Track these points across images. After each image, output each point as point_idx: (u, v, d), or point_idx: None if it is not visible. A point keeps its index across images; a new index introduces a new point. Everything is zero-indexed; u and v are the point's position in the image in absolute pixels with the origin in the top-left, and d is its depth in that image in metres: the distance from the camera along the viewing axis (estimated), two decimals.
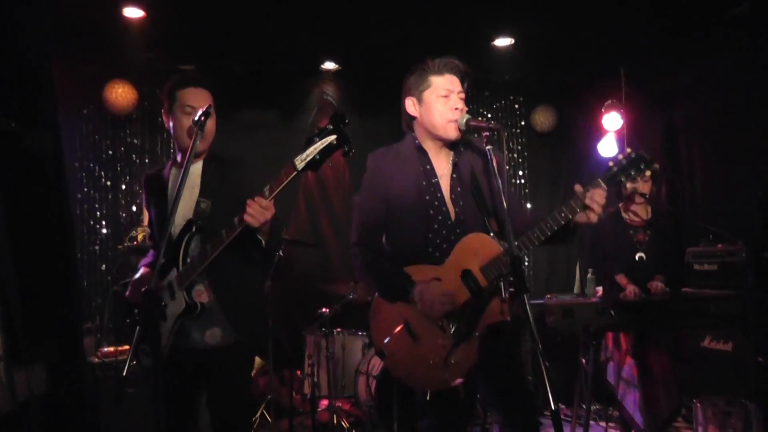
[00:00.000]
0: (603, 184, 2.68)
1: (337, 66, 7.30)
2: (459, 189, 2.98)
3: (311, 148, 2.64)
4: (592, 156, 7.42)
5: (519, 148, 8.15)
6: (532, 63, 7.19)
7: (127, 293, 3.22)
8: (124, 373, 2.57)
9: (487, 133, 2.78)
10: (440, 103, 2.92)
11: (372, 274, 3.02)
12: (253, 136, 7.14)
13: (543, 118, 7.93)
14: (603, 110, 7.10)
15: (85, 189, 6.81)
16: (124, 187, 6.92)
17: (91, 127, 6.83)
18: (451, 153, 3.03)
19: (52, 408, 2.94)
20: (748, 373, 3.77)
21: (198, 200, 3.07)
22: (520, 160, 8.14)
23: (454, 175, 3.00)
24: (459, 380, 2.82)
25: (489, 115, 8.00)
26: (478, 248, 2.82)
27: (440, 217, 2.95)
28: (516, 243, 2.57)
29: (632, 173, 2.68)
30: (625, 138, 7.08)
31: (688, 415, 5.59)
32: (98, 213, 6.87)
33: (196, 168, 3.14)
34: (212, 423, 3.17)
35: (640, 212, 4.91)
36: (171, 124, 3.16)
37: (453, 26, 6.06)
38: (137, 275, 3.25)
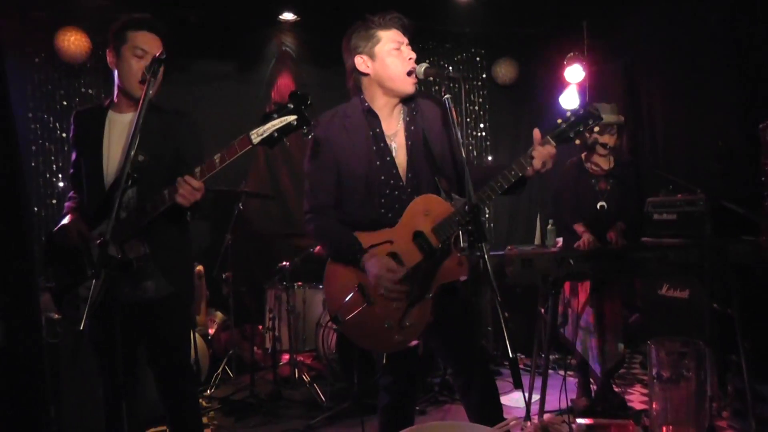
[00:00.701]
0: (552, 141, 2.72)
1: (295, 16, 7.18)
2: (411, 148, 2.96)
3: (269, 124, 2.61)
4: (554, 109, 7.37)
5: (480, 100, 8.14)
6: (494, 15, 7.14)
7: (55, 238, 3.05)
8: (81, 327, 2.51)
9: (447, 82, 2.76)
10: (394, 55, 2.89)
11: (323, 239, 3.04)
12: (209, 88, 7.05)
13: (505, 71, 7.92)
14: (565, 63, 7.06)
15: (40, 141, 6.59)
16: None
17: (44, 77, 6.59)
18: (403, 111, 3.00)
19: (7, 362, 2.89)
20: (704, 319, 3.84)
21: (136, 152, 2.95)
22: (482, 113, 8.13)
23: (406, 134, 2.97)
24: (414, 342, 2.84)
25: (450, 68, 7.93)
26: (429, 209, 2.82)
27: (392, 181, 2.93)
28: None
29: (580, 129, 2.72)
30: (587, 90, 7.07)
31: (644, 362, 5.71)
32: (54, 166, 6.67)
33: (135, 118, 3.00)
34: (155, 380, 3.13)
35: (601, 163, 4.91)
36: (116, 64, 3.04)
37: None
38: (65, 220, 3.08)
